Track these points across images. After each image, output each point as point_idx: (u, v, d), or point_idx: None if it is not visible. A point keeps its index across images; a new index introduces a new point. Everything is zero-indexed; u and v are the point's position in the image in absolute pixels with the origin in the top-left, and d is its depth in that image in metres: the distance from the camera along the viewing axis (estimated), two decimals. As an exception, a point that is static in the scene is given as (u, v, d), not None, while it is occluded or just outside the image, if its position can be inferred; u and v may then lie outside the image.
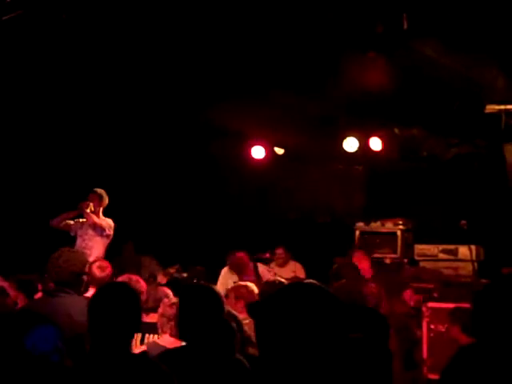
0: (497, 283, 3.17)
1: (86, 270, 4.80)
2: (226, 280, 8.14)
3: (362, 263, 7.61)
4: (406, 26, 6.34)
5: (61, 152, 9.22)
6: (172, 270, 8.93)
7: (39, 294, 5.67)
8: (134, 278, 5.28)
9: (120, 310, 3.18)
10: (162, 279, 8.72)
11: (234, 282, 8.03)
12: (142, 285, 5.19)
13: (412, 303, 7.44)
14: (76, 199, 8.55)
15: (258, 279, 7.97)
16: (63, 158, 9.31)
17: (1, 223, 8.87)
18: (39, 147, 9.02)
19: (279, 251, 9.06)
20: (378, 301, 7.40)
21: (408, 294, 7.47)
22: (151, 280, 8.80)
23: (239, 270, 8.10)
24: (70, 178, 9.34)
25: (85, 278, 4.74)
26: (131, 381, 3.05)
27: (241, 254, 8.17)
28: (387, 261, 9.14)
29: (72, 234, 8.04)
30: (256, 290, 6.01)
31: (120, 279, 5.33)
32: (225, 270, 8.29)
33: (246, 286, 6.12)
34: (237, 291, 6.13)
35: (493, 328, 2.88)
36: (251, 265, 8.23)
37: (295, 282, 2.68)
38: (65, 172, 9.40)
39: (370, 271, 7.63)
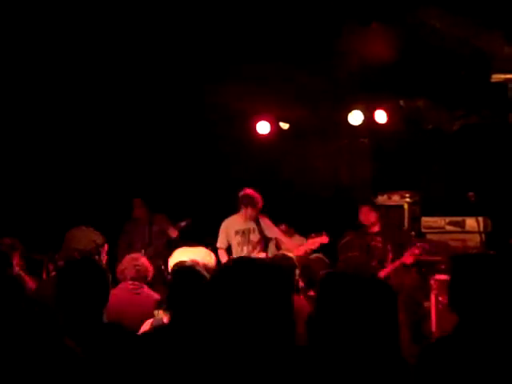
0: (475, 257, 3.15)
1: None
2: (226, 226, 8.02)
3: (370, 217, 7.62)
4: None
5: (68, 135, 9.18)
6: (183, 224, 8.88)
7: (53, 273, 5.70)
8: (135, 255, 5.37)
9: (87, 284, 3.37)
10: (173, 232, 8.72)
11: (236, 232, 7.95)
12: (143, 261, 5.24)
13: (412, 259, 7.44)
14: (91, 178, 8.67)
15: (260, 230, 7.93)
16: (72, 140, 9.28)
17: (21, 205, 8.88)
18: (48, 129, 8.99)
19: (282, 228, 9.02)
20: (383, 255, 7.46)
21: (412, 251, 7.47)
22: (160, 235, 8.88)
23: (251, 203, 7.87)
24: (82, 158, 9.35)
25: (96, 257, 4.66)
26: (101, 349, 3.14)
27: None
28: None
29: None
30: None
31: (124, 261, 5.36)
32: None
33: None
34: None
35: (470, 303, 2.86)
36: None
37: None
38: (76, 152, 9.38)
39: (378, 225, 7.65)
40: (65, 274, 3.46)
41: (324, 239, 7.55)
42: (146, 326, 4.26)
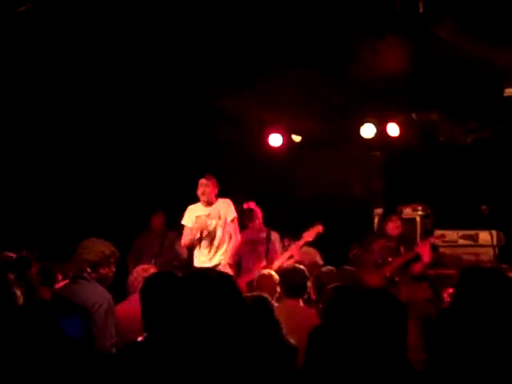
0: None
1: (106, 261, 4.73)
2: None
3: (397, 230, 7.96)
4: (421, 9, 6.26)
5: (79, 149, 9.20)
6: None
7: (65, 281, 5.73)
8: (146, 266, 5.40)
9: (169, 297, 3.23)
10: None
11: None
12: (153, 272, 5.23)
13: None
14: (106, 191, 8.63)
15: (267, 244, 7.95)
16: (83, 154, 9.30)
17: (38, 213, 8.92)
18: (62, 142, 9.02)
19: (284, 243, 9.02)
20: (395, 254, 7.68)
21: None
22: (170, 250, 8.89)
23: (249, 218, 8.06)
24: (89, 165, 9.38)
25: (103, 270, 4.63)
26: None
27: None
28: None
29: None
30: (277, 277, 5.92)
31: (135, 272, 5.38)
32: None
33: (267, 276, 6.05)
34: (259, 280, 6.05)
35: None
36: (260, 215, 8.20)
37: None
38: (90, 166, 9.41)
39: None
40: (145, 288, 3.45)
41: (319, 228, 7.57)
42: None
